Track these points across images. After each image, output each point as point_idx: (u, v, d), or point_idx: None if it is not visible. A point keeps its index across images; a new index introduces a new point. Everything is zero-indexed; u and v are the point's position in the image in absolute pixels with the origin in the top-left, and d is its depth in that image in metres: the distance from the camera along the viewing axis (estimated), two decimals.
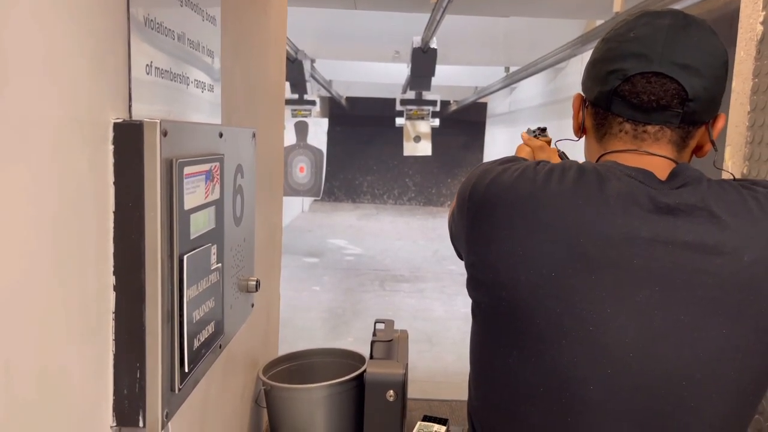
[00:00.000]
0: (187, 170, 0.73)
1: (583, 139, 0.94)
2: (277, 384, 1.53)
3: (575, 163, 0.81)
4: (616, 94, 0.80)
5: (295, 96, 7.08)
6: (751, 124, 1.74)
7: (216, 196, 0.86)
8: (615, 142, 0.83)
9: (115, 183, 0.67)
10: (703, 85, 0.78)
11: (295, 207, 12.77)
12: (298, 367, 1.71)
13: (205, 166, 0.80)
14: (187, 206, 0.74)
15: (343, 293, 7.03)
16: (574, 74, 7.20)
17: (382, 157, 15.30)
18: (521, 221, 0.75)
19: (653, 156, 0.81)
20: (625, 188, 0.75)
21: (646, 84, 0.78)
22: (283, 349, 2.02)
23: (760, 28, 1.66)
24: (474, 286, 0.81)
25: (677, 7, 2.94)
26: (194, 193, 0.76)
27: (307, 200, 14.09)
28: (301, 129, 6.91)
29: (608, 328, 0.71)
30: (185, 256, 0.72)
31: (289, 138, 6.89)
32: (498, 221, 0.77)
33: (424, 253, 9.63)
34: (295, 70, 6.61)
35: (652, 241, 0.71)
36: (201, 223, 0.79)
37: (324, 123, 7.04)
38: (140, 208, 0.67)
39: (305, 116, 6.99)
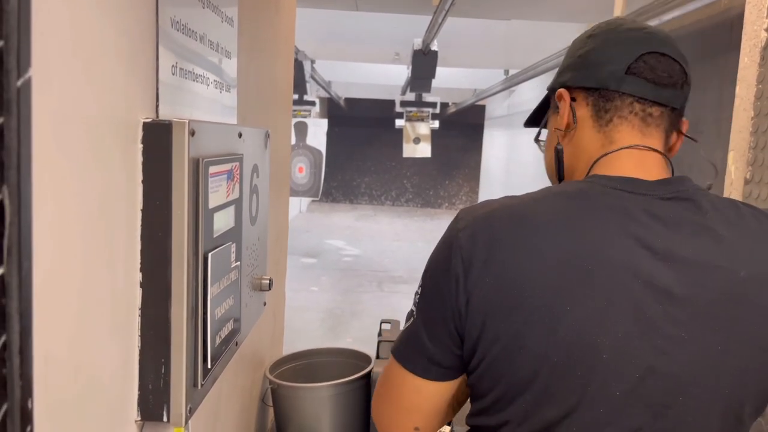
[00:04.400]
0: (211, 170, 0.74)
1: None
2: (283, 383, 1.54)
3: (554, 188, 0.79)
4: (629, 72, 0.80)
5: (295, 96, 7.08)
6: (754, 130, 1.76)
7: (236, 195, 0.87)
8: (624, 127, 0.82)
9: (143, 182, 0.68)
10: (689, 75, 0.82)
11: (293, 207, 12.77)
12: (304, 366, 1.72)
13: (227, 166, 0.82)
14: (211, 205, 0.75)
15: (341, 294, 7.04)
16: None
17: (380, 158, 15.32)
18: (525, 262, 0.71)
19: (650, 152, 0.82)
20: (618, 203, 0.74)
21: (657, 62, 0.80)
22: (283, 350, 2.02)
23: (764, 35, 1.68)
24: (479, 350, 0.74)
25: (678, 12, 2.96)
26: (217, 192, 0.77)
27: (305, 201, 14.08)
28: (301, 129, 6.91)
29: (622, 352, 0.70)
30: (209, 254, 0.73)
31: None
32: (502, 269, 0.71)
33: (422, 255, 9.64)
34: (296, 71, 6.59)
35: (653, 258, 0.71)
36: (223, 222, 0.80)
37: (323, 124, 7.04)
38: (167, 207, 0.68)
39: (305, 117, 7.00)
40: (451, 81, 8.49)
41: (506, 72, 7.72)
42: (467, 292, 0.72)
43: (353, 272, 8.18)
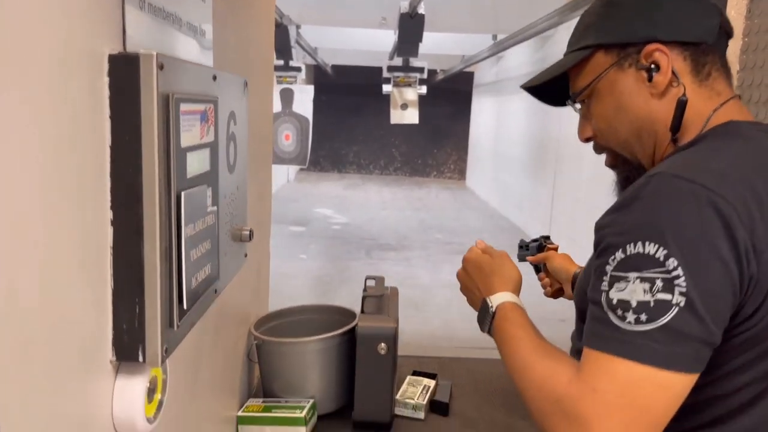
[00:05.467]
0: (183, 107, 0.72)
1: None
2: (268, 338, 1.54)
3: (742, 137, 0.80)
4: (720, 27, 0.83)
5: (281, 62, 6.97)
6: (740, 84, 1.75)
7: (211, 138, 0.85)
8: (721, 79, 0.85)
9: (111, 117, 0.66)
10: None
11: (280, 177, 12.71)
12: (290, 323, 1.72)
13: (200, 106, 0.80)
14: (183, 144, 0.73)
15: (330, 261, 7.07)
16: (561, 43, 7.16)
17: (368, 127, 15.24)
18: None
19: (739, 99, 0.87)
20: None
21: (726, 16, 0.85)
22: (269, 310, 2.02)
23: None
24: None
25: None
26: (190, 131, 0.76)
27: (293, 170, 14.01)
28: (287, 96, 6.83)
29: None
30: (183, 193, 0.72)
31: (275, 105, 6.81)
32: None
33: (410, 223, 9.68)
34: (281, 36, 6.50)
35: None
36: (197, 164, 0.79)
37: (310, 90, 6.95)
38: (137, 143, 0.66)
39: (291, 83, 6.91)
40: (439, 47, 8.41)
41: (494, 37, 7.64)
42: (758, 253, 0.68)
43: (342, 240, 8.20)
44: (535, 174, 9.38)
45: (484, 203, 12.02)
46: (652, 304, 0.67)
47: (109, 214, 0.67)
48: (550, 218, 8.49)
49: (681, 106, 0.83)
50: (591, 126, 0.96)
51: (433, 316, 5.25)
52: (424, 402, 1.58)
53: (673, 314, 0.66)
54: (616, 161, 0.96)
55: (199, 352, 1.09)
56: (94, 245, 0.66)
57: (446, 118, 14.90)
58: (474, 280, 1.08)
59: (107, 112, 0.66)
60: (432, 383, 1.69)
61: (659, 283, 0.67)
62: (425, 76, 6.79)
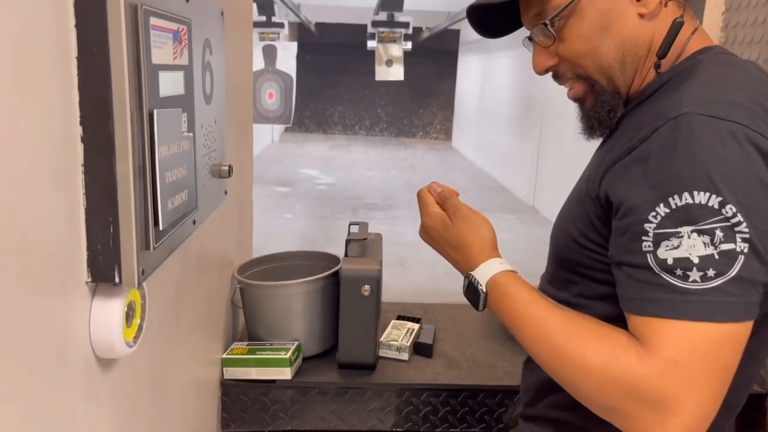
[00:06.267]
0: (153, 21, 0.70)
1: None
2: (252, 281, 1.53)
3: (737, 66, 0.79)
4: None
5: (263, 18, 6.81)
6: (725, 25, 1.73)
7: (185, 61, 0.83)
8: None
9: (76, 26, 0.63)
10: None
11: (264, 137, 12.57)
12: (274, 269, 1.72)
13: (173, 25, 0.77)
14: (154, 60, 0.70)
15: (316, 221, 7.06)
16: None
17: (353, 86, 15.04)
18: None
19: None
20: None
21: None
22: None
23: None
24: None
25: None
26: (162, 49, 0.73)
27: (277, 131, 13.85)
28: (270, 53, 6.69)
29: None
30: (155, 110, 0.70)
31: (257, 63, 6.67)
32: None
33: (396, 182, 9.66)
34: None
35: None
36: (170, 85, 0.76)
37: (293, 47, 6.82)
38: (105, 54, 0.63)
39: (273, 39, 6.76)
40: (423, 3, 8.25)
41: None
42: None
43: (328, 200, 8.17)
44: (521, 132, 9.36)
45: (471, 163, 12.02)
46: (716, 256, 0.62)
47: (79, 130, 0.65)
48: (535, 176, 8.52)
49: (676, 28, 0.79)
50: (553, 54, 0.87)
51: (419, 273, 5.29)
52: (408, 344, 1.60)
53: (741, 263, 0.62)
54: (591, 93, 0.87)
55: (181, 290, 1.08)
56: (63, 162, 0.64)
57: (432, 78, 14.72)
58: (444, 249, 0.97)
59: (72, 21, 0.63)
60: (416, 327, 1.71)
61: (719, 233, 0.62)
62: (410, 31, 6.67)
